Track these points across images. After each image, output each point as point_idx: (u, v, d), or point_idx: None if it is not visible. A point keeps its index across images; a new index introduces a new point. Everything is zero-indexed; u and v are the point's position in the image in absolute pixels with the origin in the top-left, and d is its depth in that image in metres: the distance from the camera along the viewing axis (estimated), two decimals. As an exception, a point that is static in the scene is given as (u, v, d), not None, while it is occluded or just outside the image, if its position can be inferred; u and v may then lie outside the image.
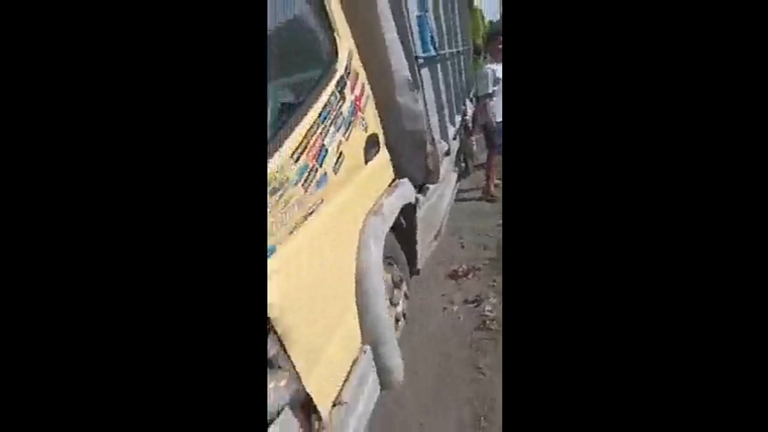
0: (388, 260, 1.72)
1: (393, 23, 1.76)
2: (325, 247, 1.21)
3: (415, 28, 2.10)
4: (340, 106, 1.38)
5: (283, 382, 0.96)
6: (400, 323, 1.82)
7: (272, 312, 0.91)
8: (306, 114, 1.18)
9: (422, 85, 2.13)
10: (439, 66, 2.69)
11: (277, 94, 1.13)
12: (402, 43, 1.84)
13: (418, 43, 2.11)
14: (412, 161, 1.99)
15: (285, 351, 0.96)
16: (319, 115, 1.23)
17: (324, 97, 1.28)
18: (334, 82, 1.37)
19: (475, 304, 2.22)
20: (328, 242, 1.23)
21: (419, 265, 2.17)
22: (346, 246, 1.36)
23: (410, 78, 1.87)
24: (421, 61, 2.13)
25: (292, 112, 1.15)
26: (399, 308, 1.83)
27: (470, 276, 2.49)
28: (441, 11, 2.98)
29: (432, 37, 2.32)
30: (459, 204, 3.46)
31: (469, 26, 4.58)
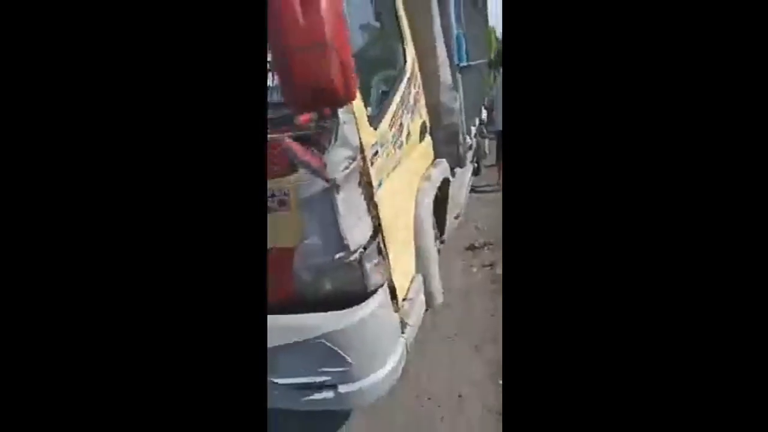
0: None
1: (443, 38, 2.29)
2: (402, 191, 1.71)
3: (455, 43, 2.63)
4: (409, 98, 1.89)
5: (383, 268, 1.44)
6: (440, 253, 2.31)
7: (384, 218, 1.40)
8: (393, 100, 1.69)
9: (460, 89, 2.66)
10: (466, 75, 3.23)
11: (378, 84, 1.64)
12: (447, 53, 2.38)
13: (455, 54, 2.64)
14: (447, 147, 2.51)
15: (385, 247, 1.44)
16: (400, 101, 1.74)
17: (401, 90, 1.79)
18: (405, 79, 1.88)
19: (490, 267, 2.73)
20: (402, 189, 1.74)
21: (445, 235, 2.66)
22: (410, 195, 1.86)
23: (452, 83, 2.40)
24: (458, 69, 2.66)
25: (385, 97, 1.66)
26: (438, 243, 2.32)
27: (485, 249, 3.00)
28: (465, 29, 3.54)
29: (467, 50, 2.86)
30: (474, 196, 3.99)
31: (484, 43, 5.16)
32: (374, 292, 1.41)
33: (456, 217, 3.11)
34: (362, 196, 1.33)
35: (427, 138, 2.24)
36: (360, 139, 1.28)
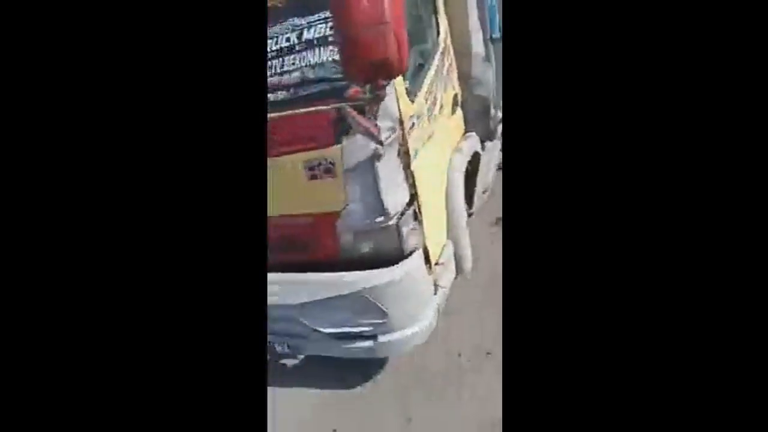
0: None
1: (476, 9, 2.28)
2: (435, 162, 1.80)
3: (488, 13, 2.60)
4: (442, 70, 1.93)
5: (418, 233, 1.56)
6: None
7: (418, 186, 1.51)
8: (428, 74, 1.74)
9: (493, 61, 2.65)
10: (500, 47, 3.18)
11: (415, 57, 1.70)
12: (480, 24, 2.37)
13: (489, 25, 2.61)
14: (479, 120, 2.53)
15: (420, 214, 1.55)
16: (435, 74, 1.80)
17: (436, 63, 1.84)
18: (439, 52, 1.92)
19: (517, 239, 2.79)
20: (435, 160, 1.82)
21: (473, 209, 2.73)
22: (442, 166, 1.94)
23: (485, 54, 2.40)
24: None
25: (420, 70, 1.72)
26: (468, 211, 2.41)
27: (512, 221, 3.05)
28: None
29: (499, 21, 2.82)
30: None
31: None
32: (410, 254, 1.53)
33: (484, 192, 3.16)
34: (400, 166, 1.43)
35: (459, 110, 2.28)
36: (399, 111, 1.37)
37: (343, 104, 1.26)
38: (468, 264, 2.05)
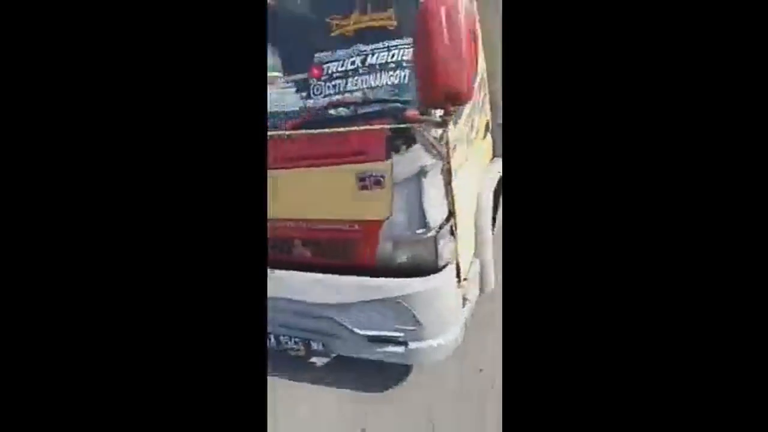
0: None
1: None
2: (469, 183, 1.92)
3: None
4: (479, 99, 2.08)
5: (452, 248, 1.66)
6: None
7: (456, 207, 1.62)
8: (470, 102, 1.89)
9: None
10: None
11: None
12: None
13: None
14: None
15: (456, 230, 1.66)
16: (473, 103, 1.94)
17: (475, 92, 1.99)
18: (478, 81, 2.07)
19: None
20: (469, 181, 1.94)
21: (495, 229, 2.84)
22: (474, 188, 2.06)
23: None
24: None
25: None
26: (494, 229, 2.51)
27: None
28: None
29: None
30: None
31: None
32: (444, 267, 1.63)
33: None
34: (443, 183, 1.55)
35: (489, 136, 2.43)
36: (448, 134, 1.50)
37: (407, 124, 1.40)
38: (491, 282, 2.14)
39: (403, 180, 1.48)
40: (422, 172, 1.47)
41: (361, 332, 1.63)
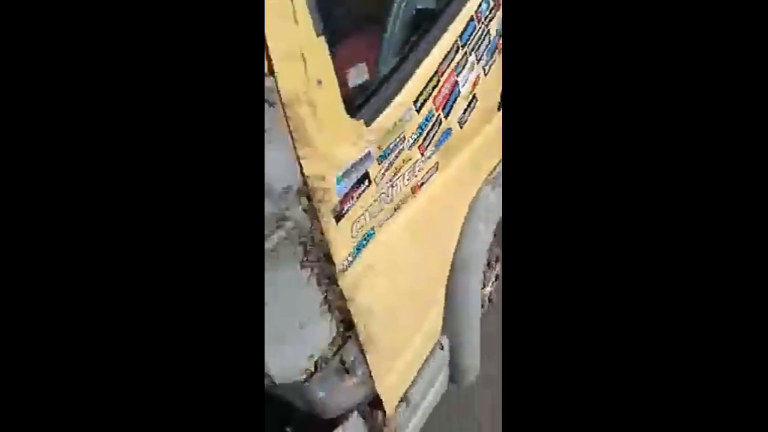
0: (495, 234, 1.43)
1: None
2: (429, 230, 0.95)
3: None
4: (489, 21, 0.96)
5: (351, 384, 0.82)
6: (484, 308, 1.60)
7: (359, 319, 0.73)
8: (446, 29, 0.81)
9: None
10: None
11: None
12: None
13: None
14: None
15: (363, 356, 0.80)
16: (462, 31, 0.85)
17: (472, 4, 0.88)
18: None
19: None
20: (434, 222, 0.97)
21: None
22: (453, 223, 1.08)
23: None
24: None
25: (428, 27, 0.80)
26: (487, 290, 1.58)
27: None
28: None
29: None
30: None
31: None
32: (340, 419, 0.81)
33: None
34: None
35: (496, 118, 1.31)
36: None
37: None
38: (472, 373, 1.27)
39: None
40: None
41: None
